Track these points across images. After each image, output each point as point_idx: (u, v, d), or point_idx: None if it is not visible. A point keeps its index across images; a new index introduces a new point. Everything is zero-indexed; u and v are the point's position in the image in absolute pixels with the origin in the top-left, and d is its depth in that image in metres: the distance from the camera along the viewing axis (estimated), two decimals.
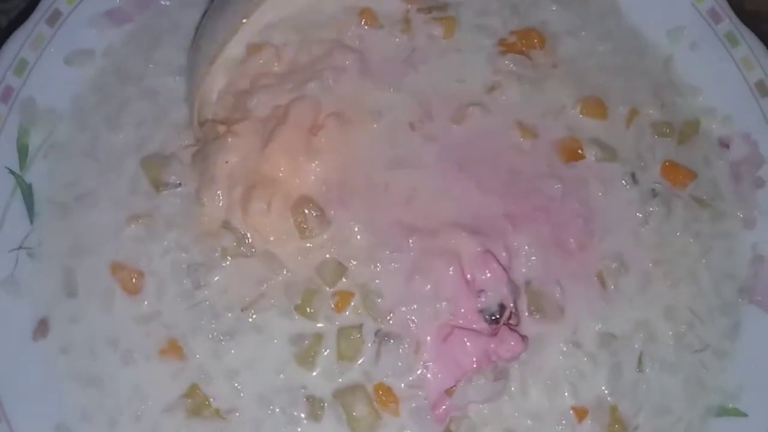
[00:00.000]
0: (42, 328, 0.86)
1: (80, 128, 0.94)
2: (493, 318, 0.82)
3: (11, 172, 0.90)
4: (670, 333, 0.88)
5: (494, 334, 0.81)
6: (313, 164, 0.88)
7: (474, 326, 0.81)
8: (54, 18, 0.94)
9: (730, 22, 0.99)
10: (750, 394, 0.89)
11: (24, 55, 0.92)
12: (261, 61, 0.97)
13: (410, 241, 0.85)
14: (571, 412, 0.84)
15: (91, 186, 0.91)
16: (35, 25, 0.92)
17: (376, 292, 0.84)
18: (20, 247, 0.89)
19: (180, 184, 0.90)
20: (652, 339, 0.88)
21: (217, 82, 0.95)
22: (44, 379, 0.85)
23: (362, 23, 0.98)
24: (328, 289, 0.85)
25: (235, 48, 0.96)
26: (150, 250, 0.88)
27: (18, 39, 0.92)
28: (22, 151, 0.91)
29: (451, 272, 0.82)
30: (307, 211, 0.86)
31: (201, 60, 0.93)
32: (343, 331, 0.83)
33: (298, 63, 0.97)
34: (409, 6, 1.00)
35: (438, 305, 0.82)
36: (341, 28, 0.98)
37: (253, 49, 0.96)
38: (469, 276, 0.82)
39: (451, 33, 0.99)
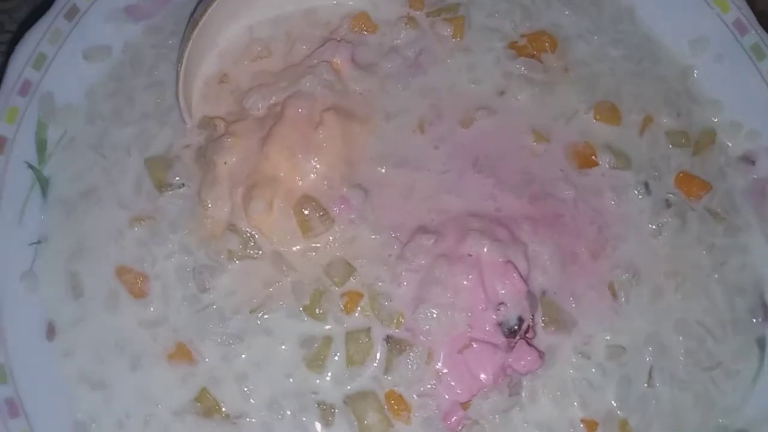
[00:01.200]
0: (51, 328, 0.86)
1: (89, 120, 0.95)
2: (511, 331, 0.82)
3: (30, 166, 0.91)
4: (681, 348, 0.88)
5: (511, 347, 0.82)
6: (313, 161, 0.88)
7: (491, 339, 0.81)
8: (72, 13, 0.94)
9: (756, 33, 0.98)
10: (760, 414, 0.88)
11: (42, 50, 0.92)
12: (252, 56, 0.97)
13: (424, 244, 0.85)
14: (581, 424, 0.84)
15: (97, 182, 0.92)
16: (53, 19, 0.93)
17: (384, 294, 0.85)
18: (39, 242, 0.89)
19: (183, 184, 0.91)
20: (663, 353, 0.88)
21: (202, 67, 0.96)
22: (60, 376, 0.85)
23: (357, 27, 0.99)
24: (336, 289, 0.86)
25: (219, 37, 0.97)
26: (154, 253, 0.88)
27: (36, 33, 0.92)
28: (41, 146, 0.92)
29: (470, 282, 0.82)
30: (309, 211, 0.86)
31: (188, 27, 0.94)
32: (351, 335, 0.84)
33: (292, 60, 0.98)
34: (412, 11, 1.01)
35: (455, 315, 0.82)
36: (334, 30, 1.00)
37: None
38: (488, 287, 0.82)
39: (461, 33, 1.00)
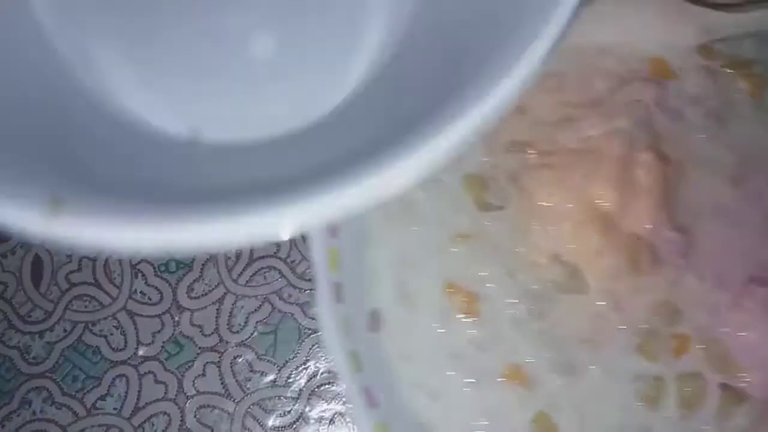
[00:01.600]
0: (376, 318, 0.86)
1: None
2: None
3: None
4: None
5: None
6: (636, 202, 0.88)
7: None
8: None
9: None
10: None
11: None
12: (547, 88, 0.95)
13: (760, 297, 0.85)
14: None
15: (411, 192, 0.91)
16: None
17: (715, 342, 0.85)
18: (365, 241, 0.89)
19: (502, 207, 0.90)
20: None
21: None
22: (396, 377, 0.84)
23: (655, 71, 0.98)
24: (664, 330, 0.85)
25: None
26: (480, 273, 0.88)
27: None
28: None
29: None
30: (637, 251, 0.87)
31: None
32: (682, 378, 0.84)
33: (592, 94, 0.96)
34: (704, 61, 0.99)
35: None
36: (632, 69, 0.98)
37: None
38: None
39: (759, 92, 0.99)
